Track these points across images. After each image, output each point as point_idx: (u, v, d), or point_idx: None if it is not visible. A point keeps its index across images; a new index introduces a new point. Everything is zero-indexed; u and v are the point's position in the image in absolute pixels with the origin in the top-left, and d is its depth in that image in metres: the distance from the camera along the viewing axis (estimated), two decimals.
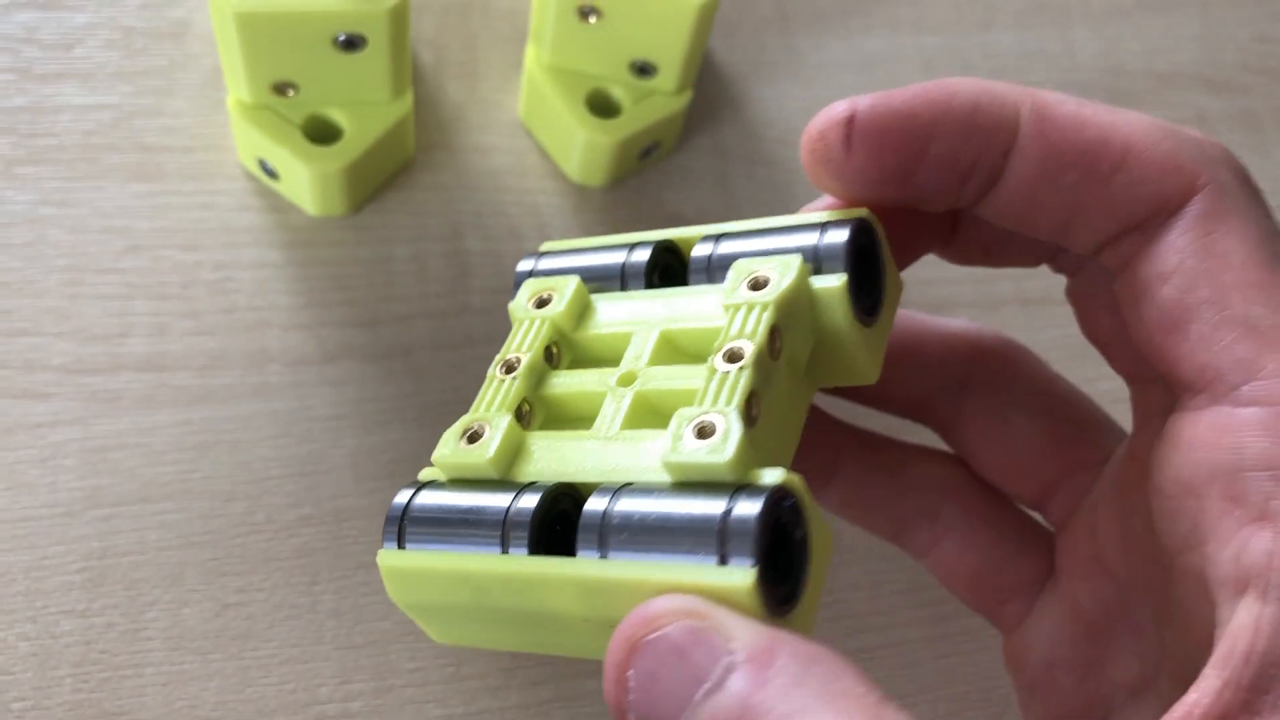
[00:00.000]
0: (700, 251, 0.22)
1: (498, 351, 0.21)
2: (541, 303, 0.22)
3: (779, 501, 0.17)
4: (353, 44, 0.28)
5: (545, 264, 0.23)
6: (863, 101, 0.20)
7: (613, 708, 0.17)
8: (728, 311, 0.20)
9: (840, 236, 0.20)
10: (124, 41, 0.33)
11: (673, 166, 0.34)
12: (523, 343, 0.21)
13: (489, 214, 0.32)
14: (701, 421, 0.18)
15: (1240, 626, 0.16)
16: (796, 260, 0.19)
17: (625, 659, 0.16)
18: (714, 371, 0.19)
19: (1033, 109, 0.20)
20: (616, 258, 0.22)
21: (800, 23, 0.36)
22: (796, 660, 0.16)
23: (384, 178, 0.32)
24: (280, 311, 0.30)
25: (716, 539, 0.17)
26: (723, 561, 0.17)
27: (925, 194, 0.20)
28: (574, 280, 0.22)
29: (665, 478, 0.18)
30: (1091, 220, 0.20)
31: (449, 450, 0.20)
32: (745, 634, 0.16)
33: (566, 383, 0.21)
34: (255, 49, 0.28)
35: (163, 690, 0.26)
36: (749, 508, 0.17)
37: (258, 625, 0.26)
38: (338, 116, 0.30)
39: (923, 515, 0.24)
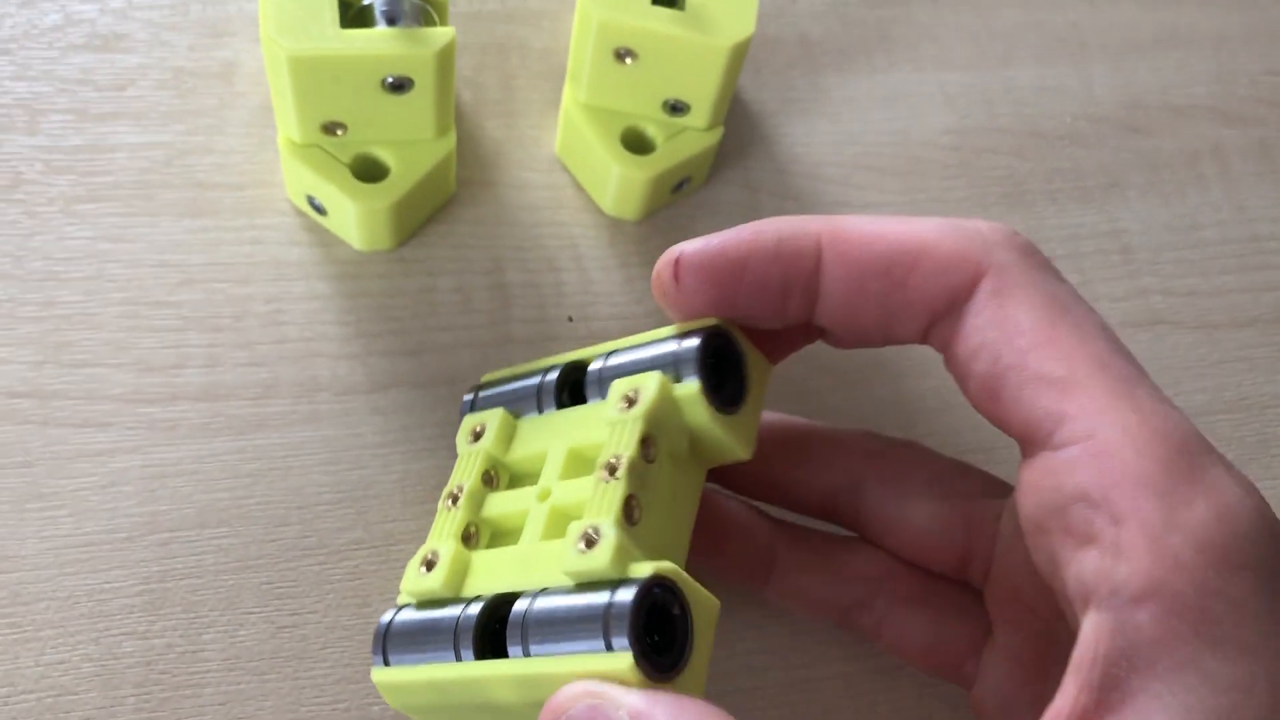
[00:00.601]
0: (593, 368, 0.25)
1: None
2: (476, 436, 0.26)
3: (650, 590, 0.20)
4: (400, 86, 0.29)
5: (483, 395, 0.27)
6: (688, 246, 0.24)
7: None
8: (607, 427, 0.23)
9: (691, 345, 0.23)
10: (175, 82, 0.34)
11: (704, 200, 0.35)
12: (463, 474, 0.25)
13: (528, 247, 0.33)
14: (586, 532, 0.21)
15: (1085, 636, 0.19)
16: (656, 376, 0.23)
17: None
18: (599, 484, 0.22)
19: (830, 235, 0.23)
20: (532, 383, 0.26)
21: (825, 60, 0.38)
22: (669, 713, 0.19)
23: (427, 213, 0.33)
24: (329, 342, 0.31)
25: (601, 628, 0.20)
26: (609, 647, 0.20)
27: (752, 314, 0.24)
28: (499, 413, 0.26)
29: (569, 581, 0.22)
30: (903, 317, 0.23)
31: (412, 578, 0.24)
32: (630, 701, 0.20)
33: (500, 502, 0.25)
34: (307, 91, 0.29)
35: (221, 709, 0.27)
36: (624, 597, 0.20)
37: (311, 646, 0.27)
38: (384, 155, 0.31)
39: (859, 605, 0.27)
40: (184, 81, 0.34)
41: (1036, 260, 0.22)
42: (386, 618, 0.24)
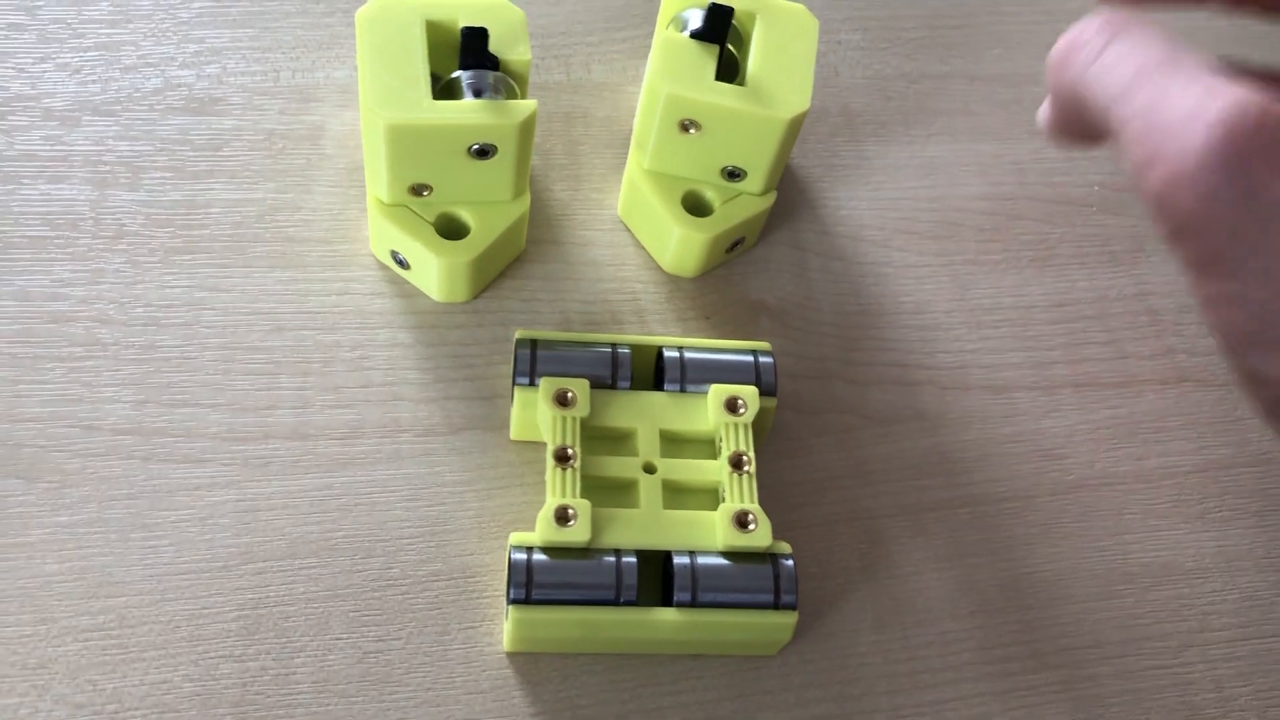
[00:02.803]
0: (670, 356, 0.31)
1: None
2: (561, 400, 0.29)
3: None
4: (484, 152, 0.31)
5: (546, 354, 0.31)
6: None
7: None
8: (718, 427, 0.30)
9: (770, 373, 0.32)
10: (266, 143, 0.36)
11: (756, 259, 0.37)
12: (564, 436, 0.29)
13: (593, 300, 0.35)
14: (739, 513, 0.29)
15: None
16: (755, 392, 0.31)
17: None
18: (730, 474, 0.29)
19: None
20: (603, 354, 0.31)
21: (867, 131, 0.40)
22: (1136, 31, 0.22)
23: (500, 268, 0.35)
24: (411, 387, 0.33)
25: (773, 590, 0.28)
26: (777, 605, 0.28)
27: None
28: (584, 384, 0.30)
29: (716, 546, 0.28)
30: None
31: (550, 530, 0.28)
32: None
33: (607, 466, 0.30)
34: (400, 156, 0.31)
35: None
36: (788, 570, 0.28)
37: (396, 670, 0.29)
38: (465, 215, 0.33)
39: None
40: (275, 143, 0.36)
41: None
42: (520, 558, 0.28)
